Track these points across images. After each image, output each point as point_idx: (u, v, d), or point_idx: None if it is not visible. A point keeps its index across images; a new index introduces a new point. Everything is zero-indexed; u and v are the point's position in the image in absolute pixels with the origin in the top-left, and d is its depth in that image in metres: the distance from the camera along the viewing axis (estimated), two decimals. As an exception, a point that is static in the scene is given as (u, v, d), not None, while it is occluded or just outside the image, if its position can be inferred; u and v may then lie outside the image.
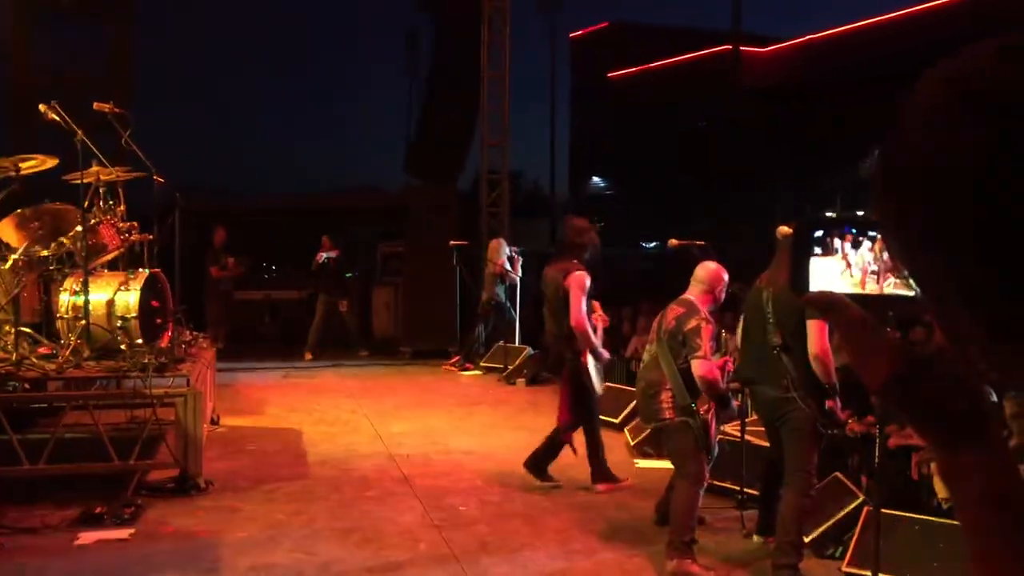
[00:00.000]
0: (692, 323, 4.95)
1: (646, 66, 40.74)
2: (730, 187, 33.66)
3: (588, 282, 6.21)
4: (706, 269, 5.17)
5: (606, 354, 6.44)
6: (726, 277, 5.17)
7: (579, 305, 6.14)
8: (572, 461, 7.19)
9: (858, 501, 5.11)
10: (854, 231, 1.02)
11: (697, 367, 4.88)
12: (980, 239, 0.66)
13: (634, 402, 8.26)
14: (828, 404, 4.67)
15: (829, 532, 5.10)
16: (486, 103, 13.93)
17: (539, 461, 6.49)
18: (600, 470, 6.45)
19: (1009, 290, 0.66)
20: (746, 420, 5.83)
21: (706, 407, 4.93)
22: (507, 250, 11.37)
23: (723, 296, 5.21)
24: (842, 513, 5.09)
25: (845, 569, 4.70)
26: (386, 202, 16.09)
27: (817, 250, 1.00)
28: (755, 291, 4.97)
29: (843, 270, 0.99)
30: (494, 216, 13.80)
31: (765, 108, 34.41)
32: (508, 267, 11.29)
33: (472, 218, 13.94)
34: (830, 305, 0.84)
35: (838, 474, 5.48)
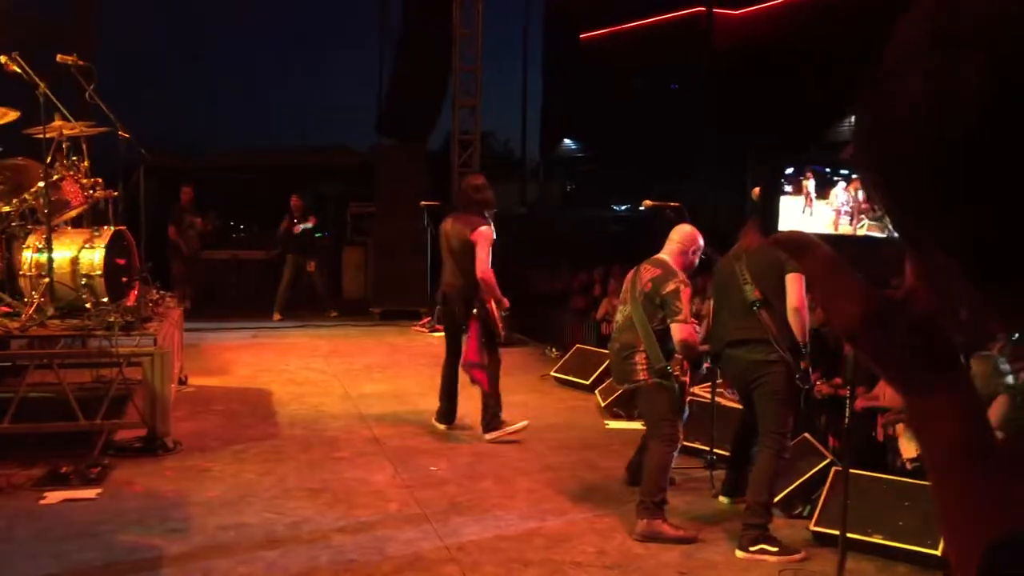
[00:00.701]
0: (671, 286, 4.91)
1: (619, 27, 40.48)
2: (703, 149, 33.66)
3: (493, 236, 6.62)
4: (681, 231, 5.15)
5: (507, 301, 6.76)
6: (701, 241, 5.15)
7: (486, 257, 6.52)
8: (549, 422, 7.23)
9: (826, 461, 5.16)
10: (827, 170, 0.99)
11: (678, 331, 4.85)
12: (973, 192, 0.62)
13: (605, 364, 8.30)
14: (803, 364, 4.69)
15: (797, 491, 5.15)
16: (458, 63, 13.76)
17: (490, 421, 6.69)
18: (493, 414, 6.76)
19: (1000, 246, 0.63)
20: (717, 382, 5.85)
21: (680, 369, 4.94)
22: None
23: (697, 259, 5.18)
24: (810, 473, 5.14)
25: (813, 528, 4.75)
26: (356, 161, 15.91)
27: (788, 188, 0.97)
28: (726, 261, 4.98)
29: (804, 208, 0.97)
30: (465, 177, 13.68)
31: (738, 69, 34.35)
32: None
33: (443, 178, 13.82)
34: (798, 245, 0.80)
35: (807, 435, 5.53)
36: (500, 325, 6.74)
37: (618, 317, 5.24)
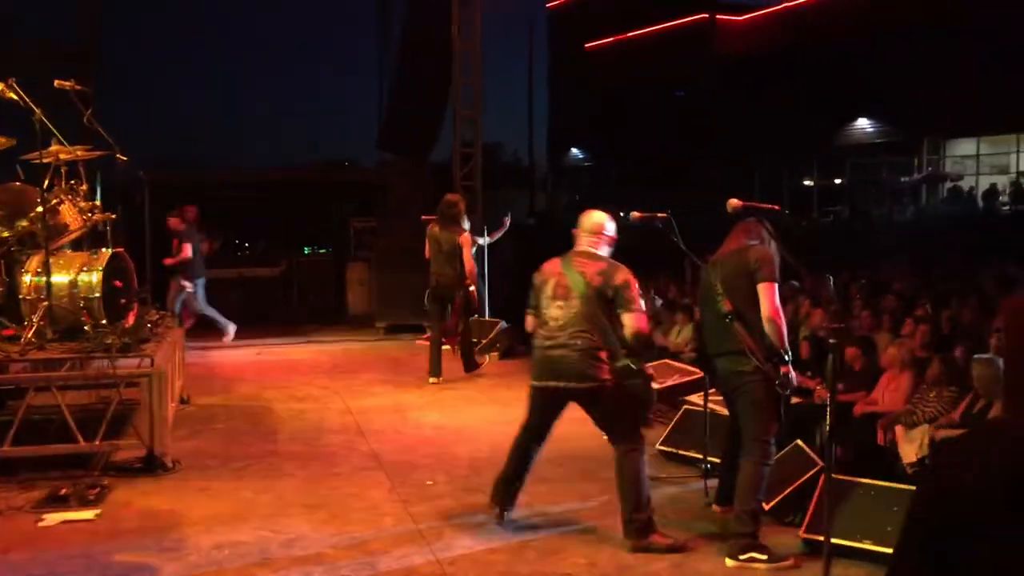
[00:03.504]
0: (620, 277, 4.87)
1: (623, 36, 40.55)
2: (707, 156, 33.63)
3: (472, 239, 9.56)
4: (596, 221, 5.08)
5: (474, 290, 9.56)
6: (611, 224, 5.13)
7: (471, 256, 9.36)
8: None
9: (817, 468, 5.15)
10: None
11: (634, 320, 4.79)
12: None
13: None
14: (783, 370, 4.67)
15: (789, 499, 5.15)
16: (459, 75, 13.84)
17: (469, 364, 9.74)
18: (470, 359, 9.74)
19: None
20: (709, 390, 5.86)
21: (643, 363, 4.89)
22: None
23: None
24: (801, 480, 5.14)
25: (803, 535, 4.75)
26: (359, 177, 16.02)
27: None
28: (706, 270, 4.98)
29: None
30: (468, 189, 13.73)
31: (742, 76, 34.35)
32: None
33: (448, 191, 13.86)
34: None
35: (799, 441, 5.53)
36: (476, 303, 9.85)
37: (555, 313, 4.93)
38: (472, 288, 9.40)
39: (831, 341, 4.18)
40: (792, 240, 4.80)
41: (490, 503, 5.27)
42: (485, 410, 8.20)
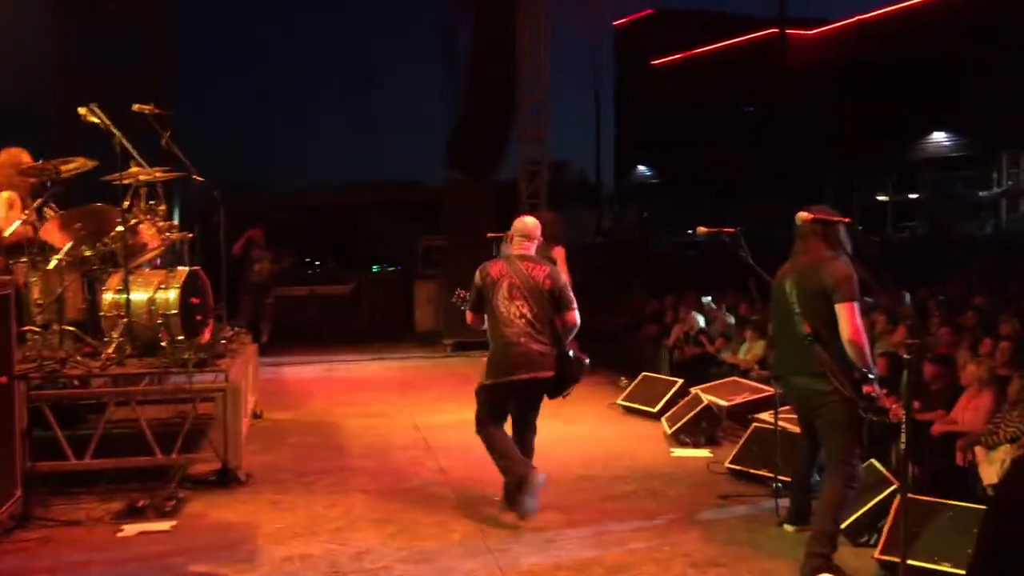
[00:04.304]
0: (562, 279, 5.58)
1: (690, 52, 40.34)
2: (777, 171, 33.19)
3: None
4: (529, 223, 5.73)
5: None
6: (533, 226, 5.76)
7: (565, 268, 8.50)
8: (614, 451, 7.21)
9: (892, 488, 5.03)
10: None
11: (575, 317, 5.54)
12: None
13: (672, 391, 8.28)
14: (866, 389, 4.56)
15: (863, 519, 5.03)
16: (524, 95, 13.92)
17: None
18: None
19: None
20: (781, 408, 5.77)
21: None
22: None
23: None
24: (876, 500, 5.02)
25: (878, 557, 4.64)
26: (427, 196, 16.20)
27: None
28: (778, 283, 4.89)
29: None
30: (533, 208, 13.78)
31: (812, 90, 33.87)
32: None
33: (513, 210, 13.94)
34: None
35: (873, 461, 5.40)
36: None
37: (521, 311, 5.53)
38: None
39: (906, 357, 4.07)
40: (861, 256, 4.70)
41: (507, 505, 5.67)
42: (549, 425, 8.10)
